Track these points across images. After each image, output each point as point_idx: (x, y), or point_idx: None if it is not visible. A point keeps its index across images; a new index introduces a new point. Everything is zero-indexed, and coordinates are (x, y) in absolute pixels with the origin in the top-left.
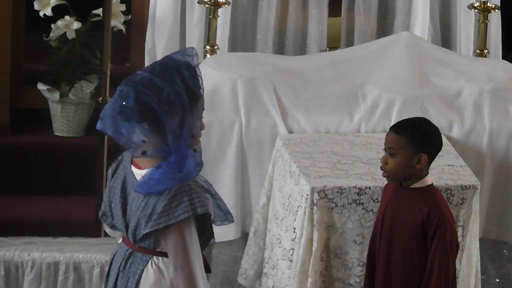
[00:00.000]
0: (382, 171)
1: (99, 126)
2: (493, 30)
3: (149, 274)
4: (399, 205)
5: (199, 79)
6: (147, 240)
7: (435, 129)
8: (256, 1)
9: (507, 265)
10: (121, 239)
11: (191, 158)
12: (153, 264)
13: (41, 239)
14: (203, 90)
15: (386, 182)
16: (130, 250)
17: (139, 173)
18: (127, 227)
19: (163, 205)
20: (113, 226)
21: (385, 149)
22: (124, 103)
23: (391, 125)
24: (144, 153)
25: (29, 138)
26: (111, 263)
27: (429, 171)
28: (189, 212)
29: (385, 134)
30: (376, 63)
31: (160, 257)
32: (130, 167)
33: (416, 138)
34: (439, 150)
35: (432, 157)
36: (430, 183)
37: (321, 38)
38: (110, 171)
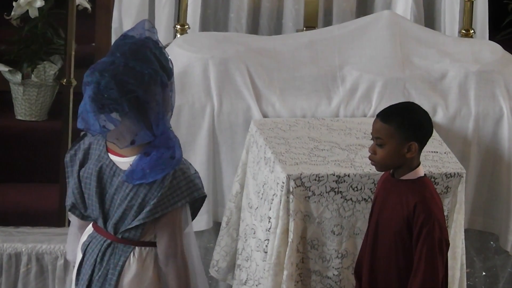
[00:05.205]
0: (370, 161)
1: (80, 125)
2: (479, 8)
3: (131, 266)
4: (387, 197)
5: (165, 51)
6: (133, 230)
7: (425, 114)
8: None
9: (494, 258)
10: (92, 230)
11: (174, 139)
12: (136, 255)
13: (1, 229)
14: (172, 63)
15: (365, 170)
16: (109, 241)
17: (122, 162)
18: (105, 218)
19: (159, 194)
20: (83, 217)
21: (372, 138)
22: (105, 95)
23: (373, 110)
24: (132, 143)
25: None
26: (83, 256)
27: None
28: (186, 198)
29: (365, 118)
30: (356, 44)
31: (143, 247)
32: (107, 156)
33: (405, 126)
34: (430, 136)
35: (423, 144)
36: (422, 175)
37: (298, 17)
38: (72, 159)
